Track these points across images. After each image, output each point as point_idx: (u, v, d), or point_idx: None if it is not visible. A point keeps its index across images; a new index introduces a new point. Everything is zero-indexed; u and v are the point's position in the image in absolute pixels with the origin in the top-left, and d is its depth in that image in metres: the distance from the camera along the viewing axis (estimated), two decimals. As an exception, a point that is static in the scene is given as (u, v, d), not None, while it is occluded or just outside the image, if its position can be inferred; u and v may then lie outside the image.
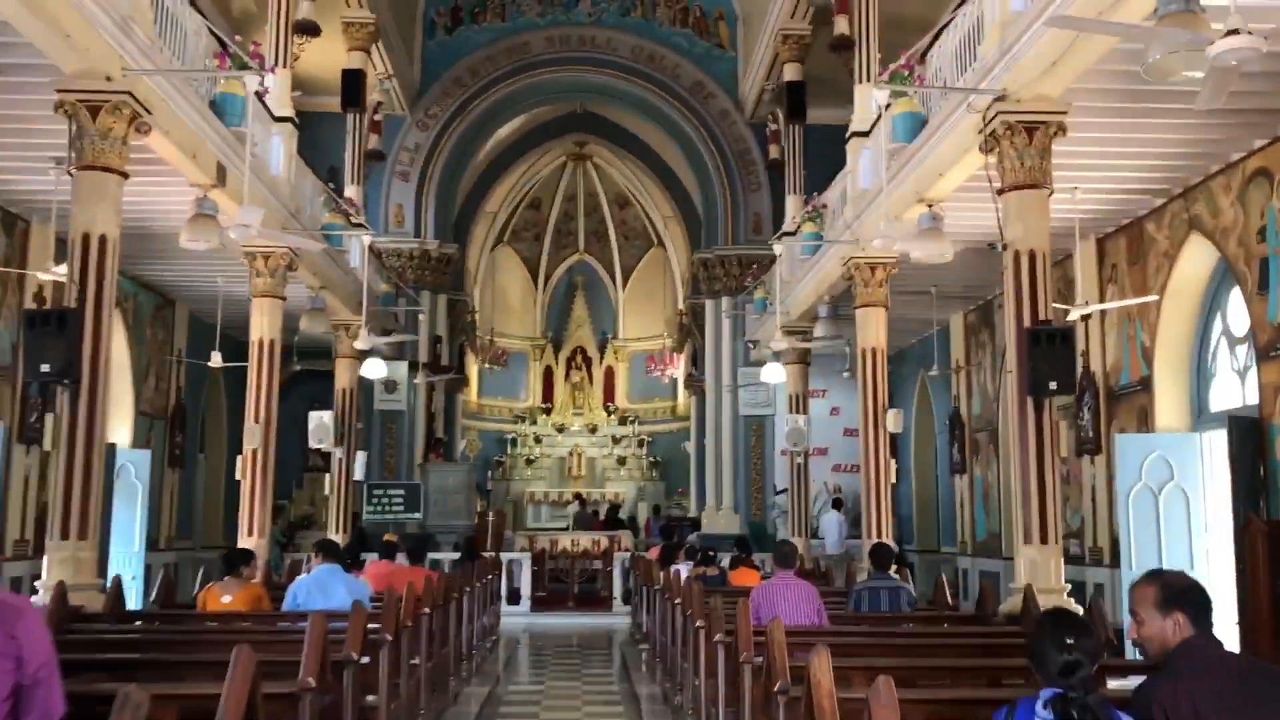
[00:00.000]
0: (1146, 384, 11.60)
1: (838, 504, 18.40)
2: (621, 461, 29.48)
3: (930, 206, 10.15)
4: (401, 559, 10.70)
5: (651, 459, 29.48)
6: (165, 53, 9.06)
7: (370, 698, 6.35)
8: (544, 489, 29.01)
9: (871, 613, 8.15)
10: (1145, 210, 11.51)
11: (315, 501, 21.58)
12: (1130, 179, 10.67)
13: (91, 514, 7.98)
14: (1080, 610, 8.35)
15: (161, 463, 16.43)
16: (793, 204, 17.61)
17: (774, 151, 20.10)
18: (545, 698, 10.33)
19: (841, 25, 14.80)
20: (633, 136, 24.91)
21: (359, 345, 14.69)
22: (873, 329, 12.72)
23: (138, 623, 7.85)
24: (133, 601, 12.86)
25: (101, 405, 8.13)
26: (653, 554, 14.76)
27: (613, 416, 30.27)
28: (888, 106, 10.71)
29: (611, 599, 18.06)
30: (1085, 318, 10.97)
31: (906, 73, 10.13)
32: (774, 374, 16.91)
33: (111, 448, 13.86)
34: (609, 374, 30.92)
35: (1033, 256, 8.46)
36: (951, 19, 9.86)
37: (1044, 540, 8.19)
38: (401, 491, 18.75)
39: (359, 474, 17.65)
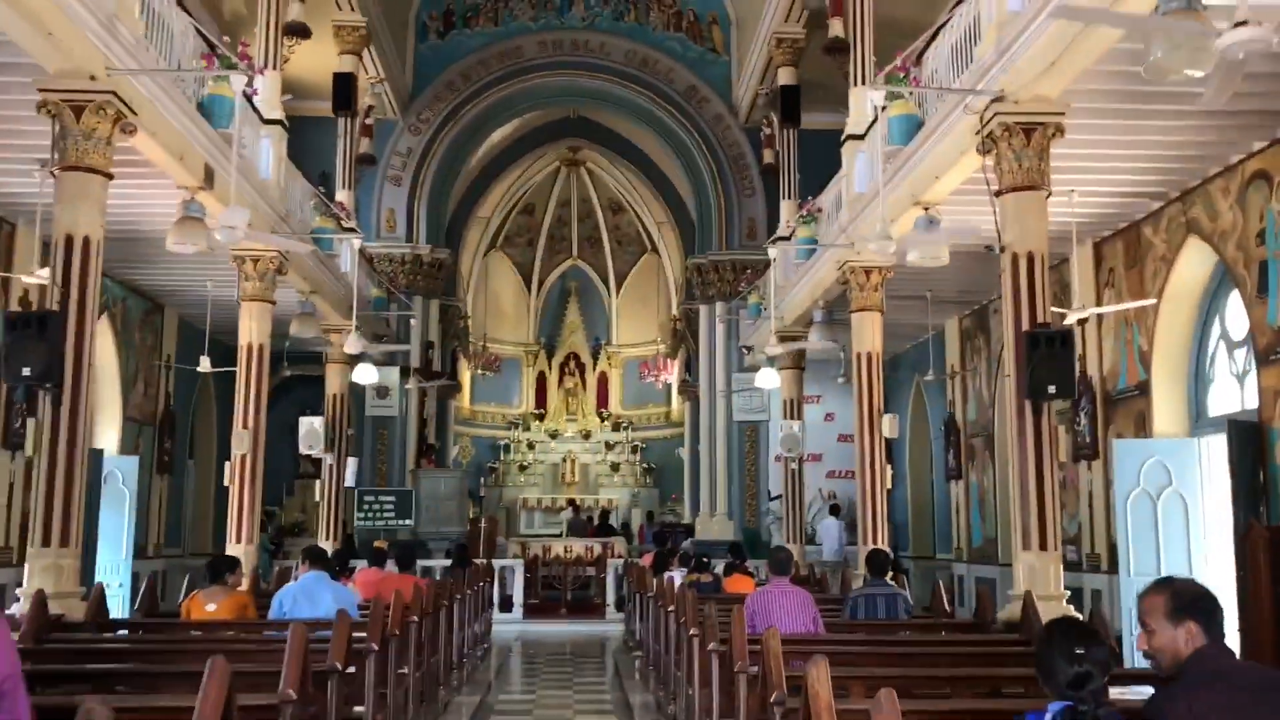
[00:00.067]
0: (1144, 389, 11.50)
1: (835, 510, 18.27)
2: (615, 468, 29.36)
3: (927, 209, 10.05)
4: (391, 566, 10.57)
5: (645, 465, 29.37)
6: (151, 53, 8.93)
7: (357, 708, 6.22)
8: (537, 495, 28.88)
9: (868, 620, 8.02)
10: (1143, 214, 11.42)
11: (306, 508, 21.38)
12: (1127, 182, 10.57)
13: (74, 521, 7.83)
14: (1079, 619, 8.24)
15: (150, 469, 16.27)
16: (787, 208, 17.50)
17: (768, 156, 20.01)
18: (537, 707, 10.18)
19: (836, 28, 14.71)
20: (626, 142, 24.82)
21: (348, 349, 14.55)
22: (868, 333, 12.61)
23: (120, 632, 7.70)
24: (120, 610, 12.74)
25: (84, 409, 7.97)
26: (646, 561, 14.63)
27: (606, 422, 30.16)
28: (883, 109, 10.60)
29: (605, 606, 17.91)
30: (1082, 322, 10.87)
31: (902, 74, 10.03)
32: (768, 379, 16.81)
33: (98, 454, 13.73)
34: (602, 380, 30.80)
35: (1031, 259, 8.36)
36: (948, 19, 9.76)
37: (1043, 546, 8.07)
38: (393, 498, 18.62)
39: (350, 480, 17.52)
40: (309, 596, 7.63)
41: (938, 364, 16.40)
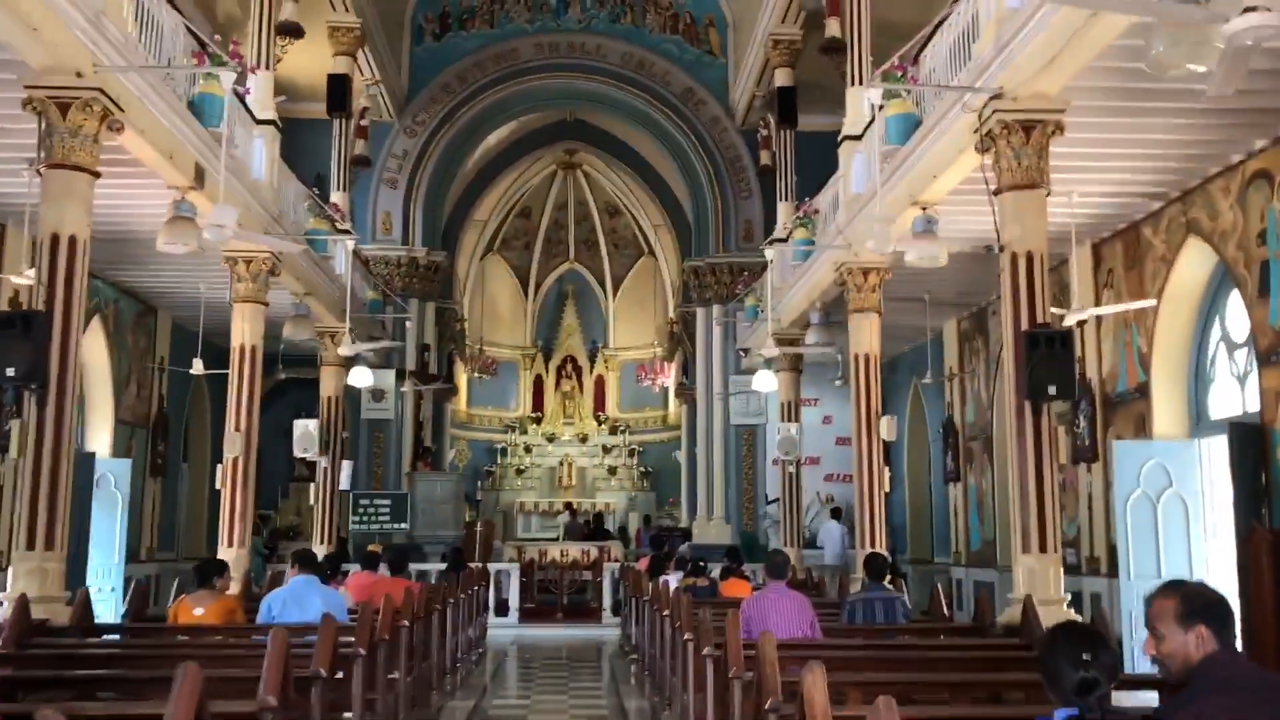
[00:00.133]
0: (1144, 390, 11.40)
1: (836, 513, 18.11)
2: (612, 471, 29.25)
3: (925, 210, 9.95)
4: (384, 570, 10.45)
5: (642, 469, 29.27)
6: (140, 50, 8.83)
7: (345, 715, 6.10)
8: (534, 499, 28.77)
9: (866, 625, 7.91)
10: (1142, 214, 11.32)
11: (301, 511, 21.29)
12: (1127, 181, 10.48)
13: (59, 524, 7.71)
14: (1087, 622, 8.14)
15: (143, 472, 16.14)
16: (784, 210, 17.41)
17: (765, 158, 19.92)
18: (531, 712, 10.07)
19: (833, 28, 14.63)
20: (623, 144, 24.73)
21: (342, 352, 14.44)
22: (865, 335, 12.50)
23: (106, 636, 7.58)
24: (111, 614, 12.60)
25: (70, 410, 7.86)
26: (642, 565, 14.52)
27: (603, 426, 30.05)
28: (880, 108, 10.50)
29: (601, 610, 17.78)
30: (1081, 324, 10.76)
31: (899, 73, 9.93)
32: (765, 382, 16.70)
33: (90, 457, 13.63)
34: (599, 383, 30.71)
35: (1030, 258, 8.26)
36: (946, 16, 9.66)
37: (1043, 549, 7.96)
38: (388, 501, 18.50)
39: (344, 484, 17.39)
40: (298, 601, 7.52)
41: (936, 366, 16.29)
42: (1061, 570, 8.16)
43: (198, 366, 13.99)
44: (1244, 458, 9.28)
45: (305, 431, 15.69)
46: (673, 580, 11.35)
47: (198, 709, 3.06)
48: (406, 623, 7.90)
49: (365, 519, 18.17)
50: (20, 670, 5.67)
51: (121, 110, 8.24)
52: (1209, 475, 10.71)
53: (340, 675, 5.97)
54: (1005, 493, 14.62)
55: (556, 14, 21.53)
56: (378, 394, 19.83)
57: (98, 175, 8.20)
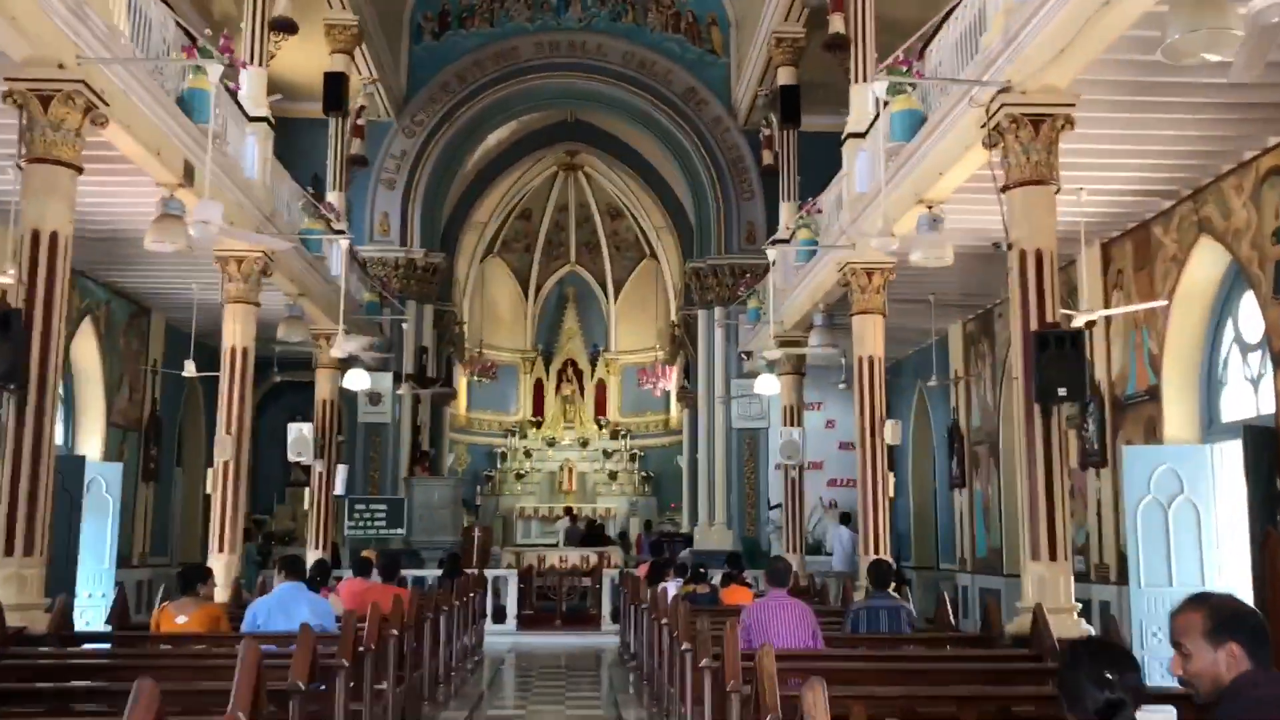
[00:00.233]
0: (1154, 393, 11.15)
1: (846, 518, 17.80)
2: (613, 476, 29.01)
3: (930, 208, 9.71)
4: (376, 576, 10.20)
5: (643, 473, 29.03)
6: (126, 43, 8.60)
7: (329, 728, 5.87)
8: (534, 504, 28.54)
9: (870, 634, 7.66)
10: (1152, 213, 11.09)
11: (296, 517, 21.05)
12: (1137, 180, 10.25)
13: (39, 529, 7.47)
14: (1092, 630, 7.90)
15: (135, 476, 15.91)
16: (787, 210, 17.17)
17: (767, 157, 19.69)
18: (526, 722, 9.84)
19: (837, 24, 14.38)
20: (624, 145, 24.51)
21: (335, 353, 14.20)
22: (870, 337, 12.26)
23: (85, 645, 7.34)
24: (101, 620, 12.36)
25: (51, 413, 7.64)
26: (641, 571, 14.28)
27: (604, 430, 29.82)
28: (885, 104, 10.27)
29: (600, 617, 17.54)
30: (1090, 325, 10.52)
31: (905, 68, 9.70)
32: (768, 385, 16.48)
33: (80, 460, 13.40)
34: (600, 387, 30.47)
35: (1039, 256, 8.02)
36: (952, 9, 9.42)
37: (1053, 556, 7.72)
38: (384, 506, 18.27)
39: (340, 488, 17.16)
40: (284, 609, 7.28)
41: (941, 370, 16.07)
42: (1072, 579, 7.91)
43: (190, 369, 13.77)
44: (1259, 462, 9.03)
45: (300, 435, 15.50)
46: (672, 587, 11.12)
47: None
48: (395, 631, 7.66)
49: (361, 524, 17.94)
50: (-10, 682, 5.44)
51: (106, 104, 8.02)
52: (1222, 480, 10.45)
53: (324, 687, 5.73)
54: (1012, 498, 14.41)
55: (557, 13, 21.32)
56: (375, 397, 19.61)
57: (80, 170, 7.97)
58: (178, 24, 9.76)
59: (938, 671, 6.14)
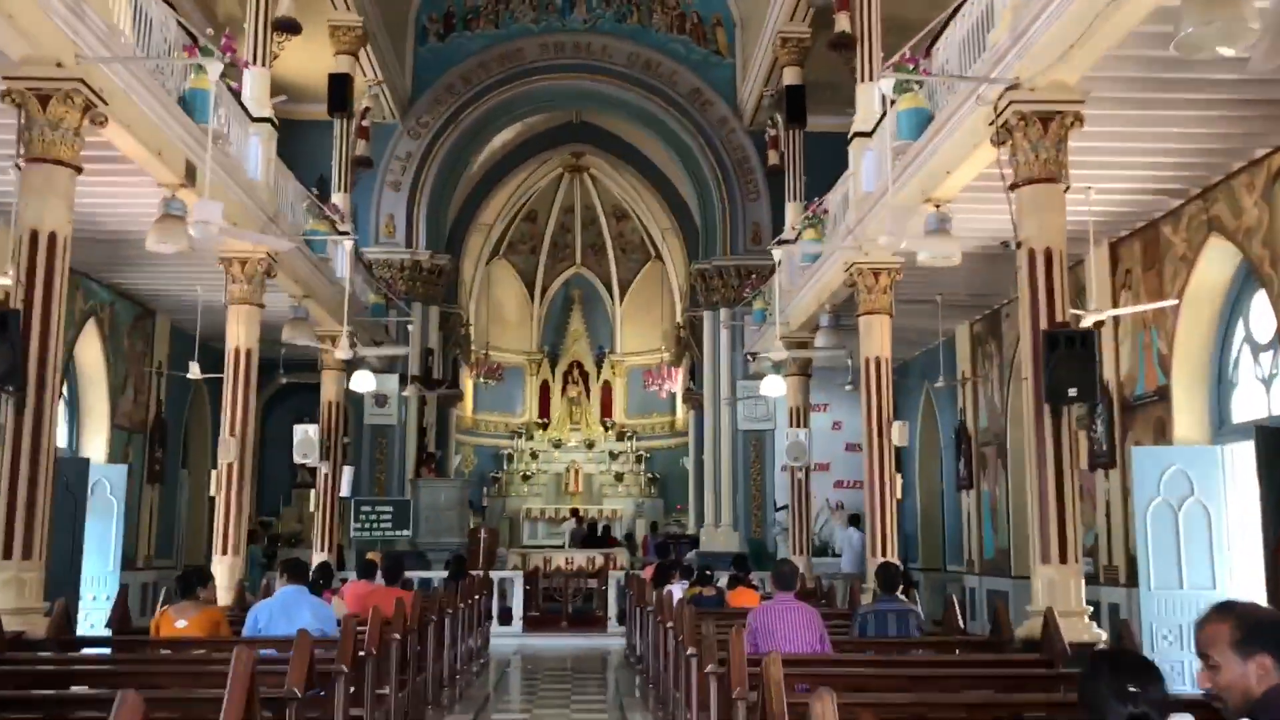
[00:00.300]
0: (1164, 394, 11.04)
1: (856, 520, 17.69)
2: (619, 478, 28.92)
3: (938, 207, 9.62)
4: (380, 579, 10.13)
5: (649, 475, 28.94)
6: (126, 42, 8.54)
7: (329, 734, 5.79)
8: (540, 505, 28.46)
9: (878, 638, 7.56)
10: (1161, 212, 10.98)
11: (303, 519, 20.98)
12: (1146, 178, 10.14)
13: (37, 532, 7.40)
14: (1103, 634, 7.80)
15: (140, 478, 15.86)
16: (792, 211, 17.09)
17: (773, 158, 19.59)
18: (531, 727, 9.75)
19: (842, 23, 14.31)
20: (630, 147, 24.45)
21: (340, 355, 14.15)
22: (876, 338, 12.16)
23: (84, 650, 7.27)
24: (103, 624, 12.30)
25: (51, 414, 7.56)
26: (647, 573, 14.18)
27: (610, 432, 29.74)
28: (892, 103, 10.19)
29: (606, 619, 17.45)
30: (1098, 325, 10.42)
31: (911, 66, 9.61)
32: (774, 387, 16.37)
33: (85, 462, 13.34)
34: (606, 389, 30.39)
35: (1049, 255, 7.93)
36: (959, 6, 9.33)
37: (1063, 559, 7.63)
38: (390, 508, 18.18)
39: (345, 490, 17.09)
40: (286, 612, 7.20)
41: (948, 370, 15.95)
42: (1083, 581, 7.81)
43: (194, 370, 13.69)
44: (1271, 463, 8.91)
45: (305, 437, 15.41)
46: (677, 590, 11.01)
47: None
48: (397, 635, 7.58)
49: (367, 526, 17.87)
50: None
51: (105, 103, 7.96)
52: (1233, 482, 10.34)
53: (323, 693, 5.66)
54: (1020, 500, 14.30)
55: (562, 14, 21.25)
56: (381, 399, 19.57)
57: (80, 170, 7.91)
58: (179, 24, 9.69)
59: (947, 678, 6.04)
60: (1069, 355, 7.52)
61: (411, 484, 19.72)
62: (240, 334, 12.11)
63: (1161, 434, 11.06)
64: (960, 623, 8.71)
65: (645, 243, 29.37)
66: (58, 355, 7.69)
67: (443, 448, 22.84)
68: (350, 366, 16.76)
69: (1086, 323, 9.50)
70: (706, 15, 21.27)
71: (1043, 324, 7.78)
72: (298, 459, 15.74)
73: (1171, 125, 8.97)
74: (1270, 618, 2.73)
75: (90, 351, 14.57)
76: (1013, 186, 8.14)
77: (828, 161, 15.24)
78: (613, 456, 29.28)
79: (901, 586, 8.44)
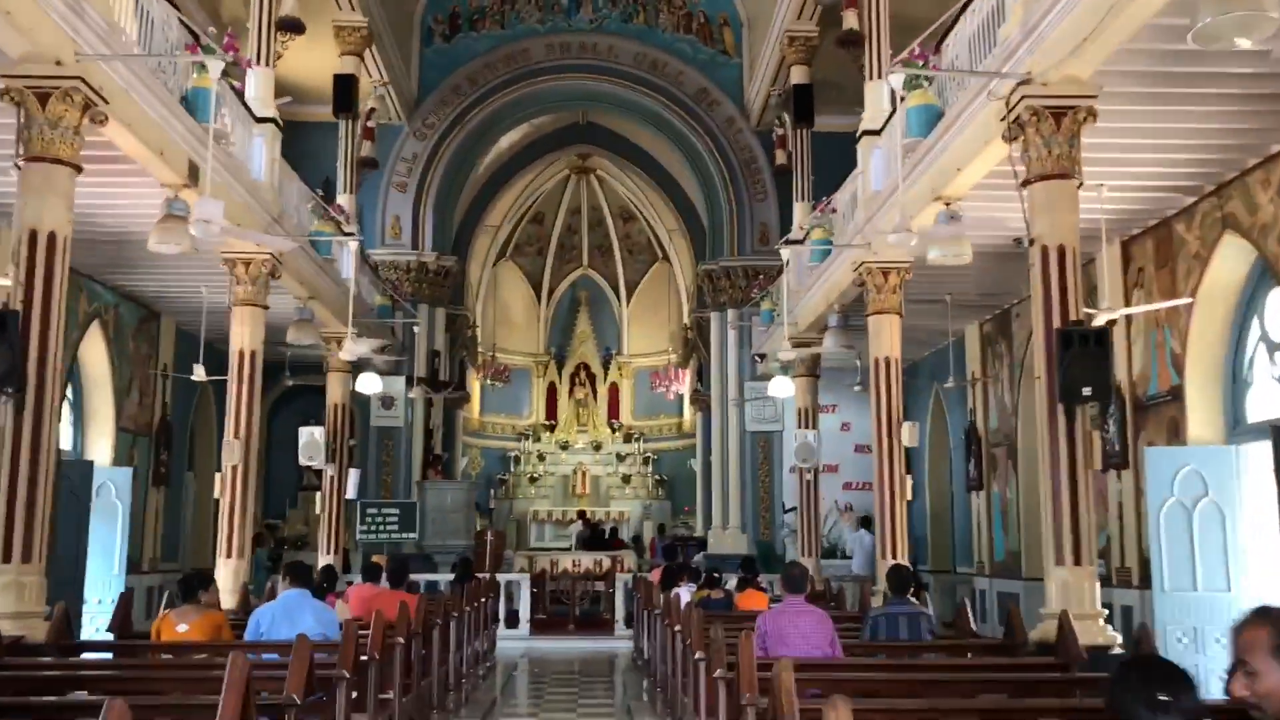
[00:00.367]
0: (1177, 393, 10.90)
1: (868, 522, 17.56)
2: (626, 479, 28.83)
3: (948, 204, 9.51)
4: (386, 582, 10.03)
5: (657, 477, 28.84)
6: (127, 40, 8.46)
7: (331, 740, 5.69)
8: (548, 508, 28.38)
9: (889, 641, 7.44)
10: (1174, 209, 10.84)
11: (309, 521, 20.90)
12: (1160, 174, 10.01)
13: (37, 535, 7.31)
14: (1119, 637, 7.67)
15: (145, 481, 15.79)
16: (800, 210, 16.97)
17: (780, 157, 19.50)
18: (538, 730, 9.64)
19: (850, 20, 14.20)
20: (636, 148, 24.36)
21: (344, 355, 14.09)
22: (886, 337, 12.04)
23: (84, 655, 7.18)
24: (105, 629, 12.22)
25: (51, 416, 7.48)
26: (655, 576, 14.07)
27: (617, 434, 29.64)
28: (902, 99, 10.07)
29: (614, 622, 17.34)
30: (1110, 324, 10.29)
31: (920, 63, 9.50)
32: (782, 388, 16.26)
33: (89, 465, 13.29)
34: (613, 390, 30.29)
35: (1061, 252, 7.81)
36: (968, 2, 9.21)
37: (1077, 561, 7.50)
38: (396, 511, 18.09)
39: (351, 492, 17.01)
40: (288, 616, 7.11)
41: (958, 371, 15.83)
42: (1097, 583, 7.69)
43: (199, 373, 13.61)
44: (1287, 463, 8.77)
45: (311, 439, 15.34)
46: (685, 592, 10.91)
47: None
48: (401, 639, 7.47)
49: (373, 528, 17.78)
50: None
51: (105, 101, 7.88)
52: (1247, 482, 10.20)
53: (325, 698, 5.56)
54: (1031, 501, 14.16)
55: (568, 14, 21.17)
56: (387, 401, 19.48)
57: (79, 169, 7.83)
58: (181, 23, 9.61)
59: (960, 682, 5.92)
60: (1083, 354, 7.39)
61: (418, 486, 19.63)
62: (244, 335, 12.02)
63: (1174, 434, 10.92)
64: (972, 626, 8.59)
65: (652, 244, 29.29)
66: (58, 356, 7.61)
67: (449, 450, 22.75)
68: (356, 369, 16.70)
69: (1099, 322, 9.36)
70: (713, 15, 21.18)
71: (1056, 322, 7.66)
72: (303, 461, 15.67)
73: (1186, 121, 8.84)
74: None
75: (95, 354, 14.51)
76: (1025, 183, 8.02)
77: (835, 161, 15.13)
78: (620, 458, 29.19)
79: (912, 589, 8.32)
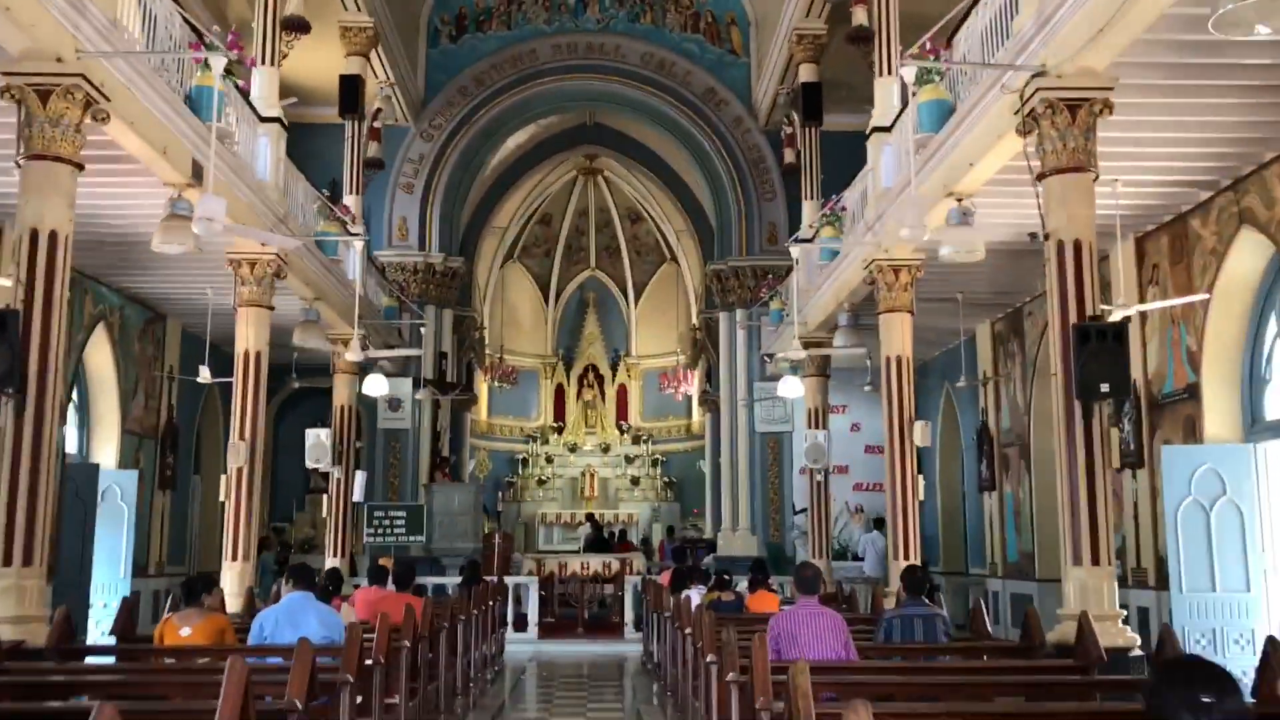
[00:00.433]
0: (1193, 391, 10.76)
1: (880, 523, 17.42)
2: (635, 481, 28.71)
3: (960, 201, 9.38)
4: (393, 585, 9.92)
5: (666, 479, 28.71)
6: (129, 38, 8.37)
7: (336, 745, 5.58)
8: (556, 510, 28.26)
9: (905, 643, 7.30)
10: (1189, 205, 10.71)
11: (317, 524, 20.82)
12: (1175, 169, 9.88)
13: (38, 538, 7.21)
14: (1138, 639, 7.53)
15: (151, 484, 15.71)
16: (809, 209, 16.84)
17: (789, 156, 19.36)
18: (547, 735, 9.52)
19: (860, 17, 14.07)
20: (644, 148, 24.25)
21: (350, 357, 13.97)
22: (897, 336, 11.90)
23: (86, 660, 7.07)
24: (109, 632, 12.13)
25: (52, 417, 7.38)
26: (664, 578, 13.93)
27: (626, 435, 29.51)
28: (913, 94, 9.94)
29: (623, 625, 17.20)
30: (1125, 320, 10.16)
31: (932, 58, 9.37)
32: (791, 388, 16.10)
33: (94, 468, 13.21)
34: (621, 392, 30.17)
35: (1078, 246, 7.67)
36: (980, -5, 9.08)
37: (1095, 561, 7.36)
38: (404, 513, 17.95)
39: (358, 495, 16.90)
40: (292, 619, 7.01)
41: (969, 370, 15.67)
42: (1115, 584, 7.54)
43: (204, 375, 13.53)
44: (1308, 461, 8.64)
45: (318, 441, 15.23)
46: (695, 595, 10.77)
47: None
48: (407, 642, 7.36)
49: (380, 531, 17.66)
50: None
51: (107, 99, 7.78)
52: (1267, 481, 10.06)
53: (326, 701, 5.44)
54: (1045, 501, 14.02)
55: (575, 14, 21.05)
56: (394, 403, 19.38)
57: (81, 167, 7.73)
58: (185, 20, 9.52)
59: (981, 686, 5.77)
60: (1101, 349, 7.26)
61: (425, 489, 19.50)
62: (250, 336, 11.92)
63: (1191, 433, 10.78)
64: (988, 627, 8.45)
65: (660, 245, 29.18)
66: (59, 357, 7.50)
67: (457, 452, 22.63)
68: (363, 370, 16.60)
69: (1114, 319, 9.24)
70: (721, 14, 21.05)
71: (1072, 318, 7.52)
72: (310, 464, 15.56)
73: (1202, 114, 8.72)
74: None
75: (100, 356, 14.44)
76: (1040, 176, 7.88)
77: (844, 161, 15.02)
78: (628, 460, 29.07)
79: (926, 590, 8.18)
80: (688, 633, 8.58)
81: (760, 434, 20.13)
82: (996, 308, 15.22)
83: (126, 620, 7.68)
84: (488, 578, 15.33)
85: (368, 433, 19.46)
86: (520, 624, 16.80)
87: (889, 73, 12.20)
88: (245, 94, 11.56)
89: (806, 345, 15.02)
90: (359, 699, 6.07)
